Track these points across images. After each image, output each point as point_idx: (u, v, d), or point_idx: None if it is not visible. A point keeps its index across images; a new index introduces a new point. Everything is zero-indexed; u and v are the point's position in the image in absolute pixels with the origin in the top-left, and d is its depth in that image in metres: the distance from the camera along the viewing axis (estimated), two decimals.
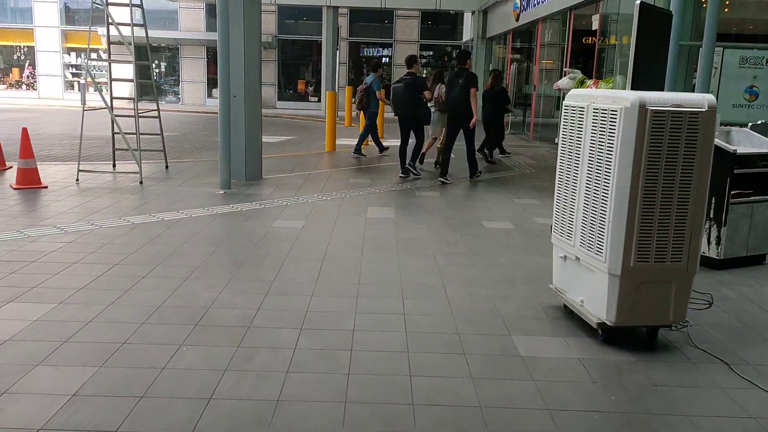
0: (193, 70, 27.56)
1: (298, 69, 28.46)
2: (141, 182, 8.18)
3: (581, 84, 10.47)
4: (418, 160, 9.90)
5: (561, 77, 12.37)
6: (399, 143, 9.80)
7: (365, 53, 28.18)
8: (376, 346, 3.49)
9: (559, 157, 4.02)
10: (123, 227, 5.92)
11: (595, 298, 3.61)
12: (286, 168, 9.95)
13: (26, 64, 27.60)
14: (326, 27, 23.22)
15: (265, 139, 10.26)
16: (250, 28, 8.41)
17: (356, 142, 12.01)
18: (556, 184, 4.04)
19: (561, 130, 3.98)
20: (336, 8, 23.13)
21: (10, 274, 4.48)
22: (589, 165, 3.61)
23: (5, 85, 27.56)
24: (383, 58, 28.03)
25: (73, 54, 27.55)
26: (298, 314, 3.92)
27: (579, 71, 10.74)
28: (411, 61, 9.76)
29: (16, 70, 27.75)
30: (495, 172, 10.32)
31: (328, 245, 5.53)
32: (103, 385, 2.97)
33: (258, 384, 3.04)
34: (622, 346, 3.58)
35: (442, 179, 9.09)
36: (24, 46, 27.50)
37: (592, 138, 3.58)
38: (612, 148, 3.39)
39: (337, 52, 22.43)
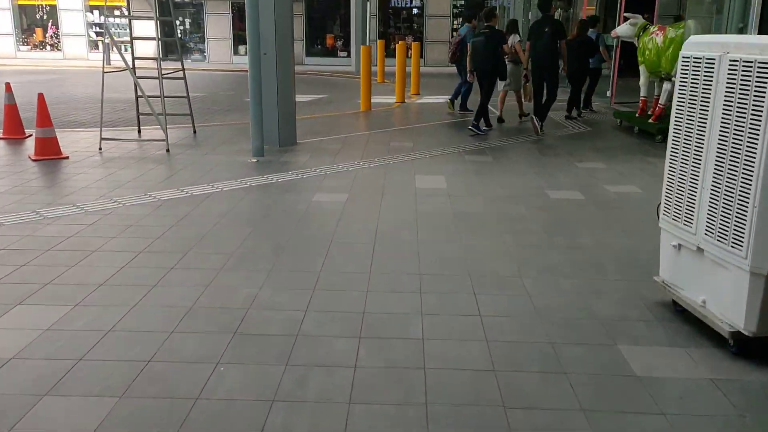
0: (218, 27, 26.73)
1: (325, 23, 27.39)
2: (167, 150, 7.57)
3: (643, 30, 9.48)
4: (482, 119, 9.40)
5: (617, 24, 11.36)
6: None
7: (395, 4, 26.94)
8: (455, 362, 2.85)
9: (673, 121, 3.25)
10: (149, 205, 5.33)
11: (727, 300, 2.89)
12: (321, 131, 9.24)
13: (49, 24, 27.04)
14: None
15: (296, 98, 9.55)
16: None
17: (456, 99, 11.48)
18: (668, 154, 3.28)
19: (677, 86, 3.20)
20: None
21: (22, 267, 3.92)
22: (723, 132, 2.85)
23: (29, 46, 27.09)
24: (414, 9, 26.83)
25: (96, 12, 26.88)
26: (355, 317, 3.29)
27: (640, 16, 9.73)
28: (490, 14, 9.31)
29: (39, 31, 27.21)
30: (548, 132, 9.48)
31: (377, 223, 4.86)
32: (125, 425, 2.38)
33: (315, 421, 2.43)
34: (761, 360, 2.88)
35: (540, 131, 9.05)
36: (46, 6, 26.90)
37: (728, 97, 2.81)
38: (760, 110, 2.62)
39: (368, 3, 21.37)
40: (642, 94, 9.49)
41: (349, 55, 25.89)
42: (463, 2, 26.79)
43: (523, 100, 10.33)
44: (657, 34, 8.90)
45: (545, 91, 9.12)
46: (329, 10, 27.18)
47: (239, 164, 6.92)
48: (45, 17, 27.15)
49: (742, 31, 7.04)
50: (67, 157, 7.14)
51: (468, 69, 9.74)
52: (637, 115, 9.52)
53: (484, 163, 7.15)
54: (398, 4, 27.05)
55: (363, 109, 11.78)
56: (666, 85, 8.61)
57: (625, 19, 9.94)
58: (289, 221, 4.92)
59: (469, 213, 5.18)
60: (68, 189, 5.85)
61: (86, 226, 4.72)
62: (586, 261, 4.14)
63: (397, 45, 14.19)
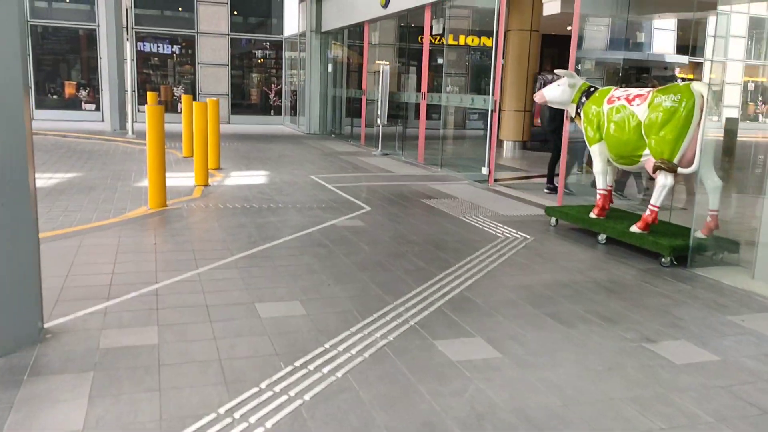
0: None
1: (59, 67, 21.37)
2: None
3: (586, 95, 6.60)
4: None
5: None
6: None
7: (141, 48, 21.84)
8: None
9: None
10: None
11: None
12: (95, 281, 4.63)
13: None
14: (105, 10, 17.00)
15: None
16: None
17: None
18: None
19: None
20: None
21: None
22: None
23: None
24: (172, 55, 22.11)
25: None
26: None
27: (576, 75, 6.87)
28: None
29: None
30: (476, 246, 5.99)
31: None
32: None
33: None
34: None
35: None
36: None
37: None
38: None
39: (127, 43, 16.39)
40: (600, 185, 6.53)
41: (98, 108, 20.31)
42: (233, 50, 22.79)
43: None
44: (632, 101, 6.03)
45: None
46: (66, 52, 21.25)
47: None
48: None
49: None
50: None
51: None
52: (594, 214, 6.52)
53: (493, 366, 3.35)
54: (158, 49, 22.16)
55: (154, 206, 7.20)
56: (664, 179, 5.69)
57: (554, 78, 7.03)
58: None
59: None
60: None
61: None
62: None
63: (183, 100, 9.89)
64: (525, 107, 15.57)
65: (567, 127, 8.01)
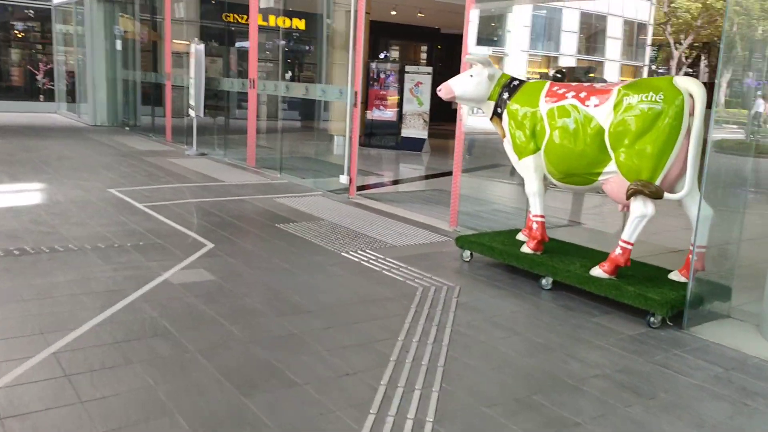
0: None
1: None
2: None
3: (509, 90, 5.00)
4: None
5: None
6: None
7: None
8: None
9: None
10: None
11: None
12: None
13: None
14: None
15: None
16: None
17: None
18: None
19: None
20: None
21: None
22: None
23: None
24: None
25: None
26: None
27: (491, 62, 5.21)
28: None
29: None
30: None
31: None
32: None
33: None
34: None
35: None
36: None
37: None
38: None
39: None
40: (536, 210, 4.95)
41: None
42: None
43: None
44: (586, 100, 4.50)
45: None
46: None
47: None
48: None
49: None
50: None
51: None
52: (530, 248, 4.93)
53: None
54: None
55: None
56: (643, 208, 4.23)
57: (468, 66, 5.31)
58: None
59: None
60: None
61: None
62: None
63: None
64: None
65: (462, 127, 6.41)
